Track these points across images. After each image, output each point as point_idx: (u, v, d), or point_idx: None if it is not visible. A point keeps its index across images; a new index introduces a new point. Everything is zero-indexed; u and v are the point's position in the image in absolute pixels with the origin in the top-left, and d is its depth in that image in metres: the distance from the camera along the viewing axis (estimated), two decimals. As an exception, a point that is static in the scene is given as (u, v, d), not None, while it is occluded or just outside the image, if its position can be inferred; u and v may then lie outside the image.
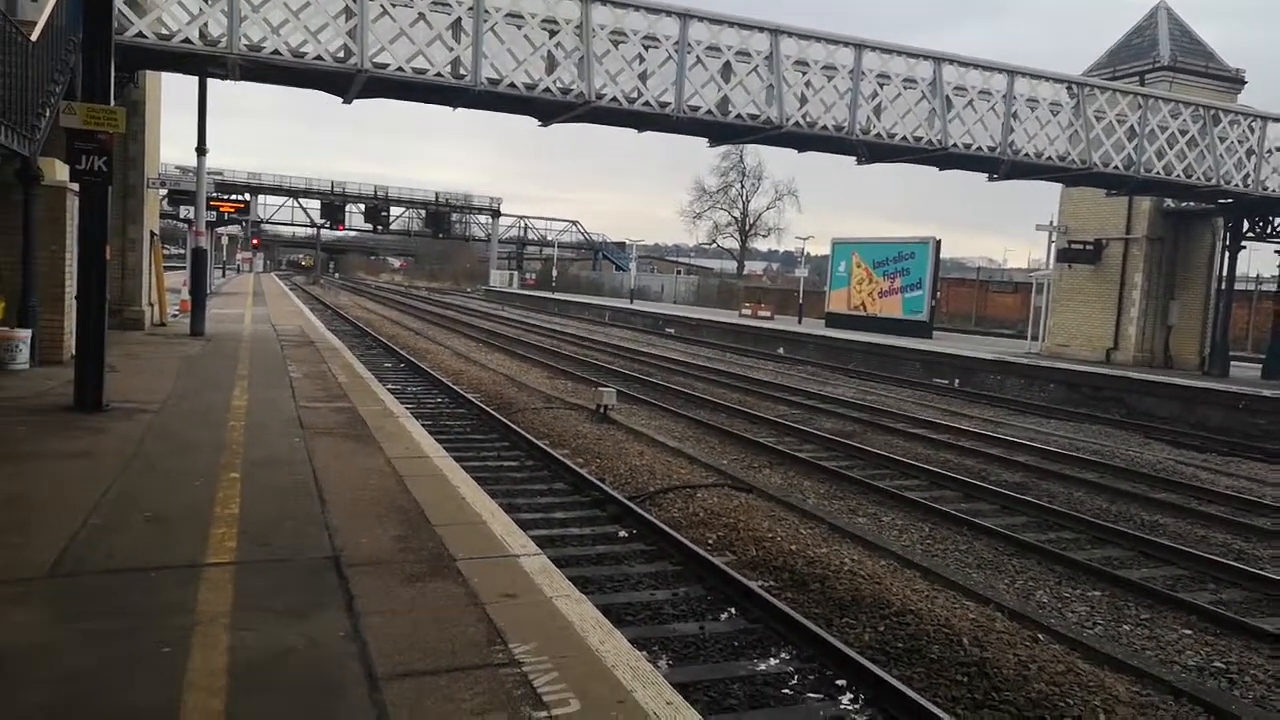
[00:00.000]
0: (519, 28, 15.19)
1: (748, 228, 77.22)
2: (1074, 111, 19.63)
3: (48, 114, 10.93)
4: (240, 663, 3.43)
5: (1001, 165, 19.34)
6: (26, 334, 10.79)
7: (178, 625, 3.73)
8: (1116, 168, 20.19)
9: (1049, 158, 19.42)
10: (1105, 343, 27.54)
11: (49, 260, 11.33)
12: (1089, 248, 27.82)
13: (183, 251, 39.79)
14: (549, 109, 16.54)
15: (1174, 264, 26.90)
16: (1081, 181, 22.53)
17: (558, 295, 63.73)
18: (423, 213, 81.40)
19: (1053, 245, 29.00)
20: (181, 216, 41.28)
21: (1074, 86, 19.84)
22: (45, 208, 11.08)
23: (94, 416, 8.15)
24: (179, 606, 3.93)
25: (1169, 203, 26.30)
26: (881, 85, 17.82)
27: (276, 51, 13.82)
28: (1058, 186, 27.10)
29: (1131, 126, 20.32)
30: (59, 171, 11.07)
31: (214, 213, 23.93)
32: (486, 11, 14.80)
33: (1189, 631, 6.91)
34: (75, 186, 10.07)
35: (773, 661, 5.74)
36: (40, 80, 10.76)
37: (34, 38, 10.27)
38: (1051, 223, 29.01)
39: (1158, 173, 20.63)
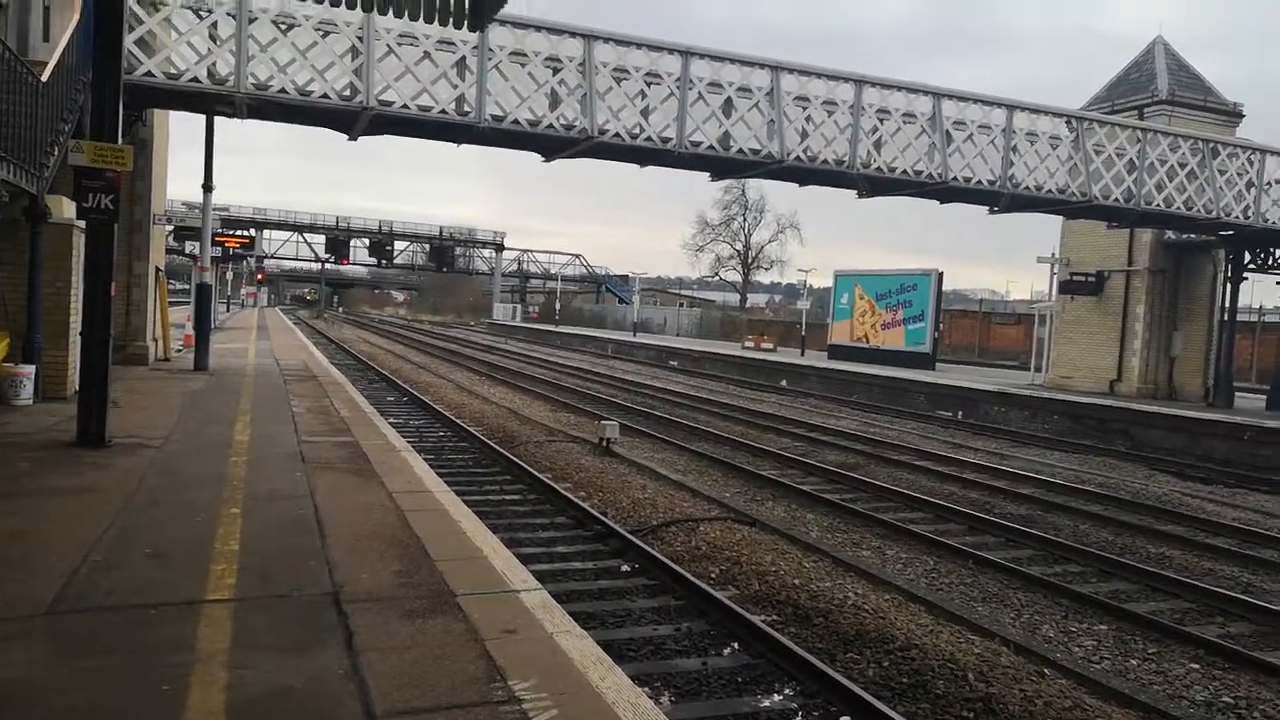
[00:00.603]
0: (523, 65, 15.39)
1: (750, 260, 77.64)
2: (1074, 145, 19.78)
3: (56, 152, 11.06)
4: (239, 701, 3.41)
5: (1002, 198, 19.46)
6: (31, 370, 10.83)
7: (177, 663, 3.72)
8: (1117, 200, 20.30)
9: (1049, 191, 19.54)
10: (1109, 374, 27.50)
11: (54, 297, 11.40)
12: (1091, 279, 27.88)
13: (188, 286, 39.99)
14: (552, 145, 16.71)
15: (1176, 295, 26.93)
16: (1082, 214, 22.64)
17: (561, 328, 63.87)
18: (427, 247, 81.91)
19: (1055, 277, 29.08)
20: (187, 252, 41.53)
21: (1073, 120, 20.01)
22: (52, 244, 11.17)
23: (97, 452, 8.16)
24: (178, 644, 3.92)
25: (1170, 235, 26.39)
26: (882, 120, 17.99)
27: (283, 90, 14.01)
28: (1059, 219, 27.23)
29: (1131, 160, 20.46)
30: (66, 209, 11.18)
31: (219, 248, 24.08)
32: (491, 50, 15.00)
33: (1197, 666, 6.84)
34: (82, 224, 10.17)
35: (776, 698, 5.68)
36: (50, 119, 10.91)
37: (44, 77, 10.43)
38: (1053, 255, 29.12)
39: (1158, 205, 20.74)
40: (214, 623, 4.17)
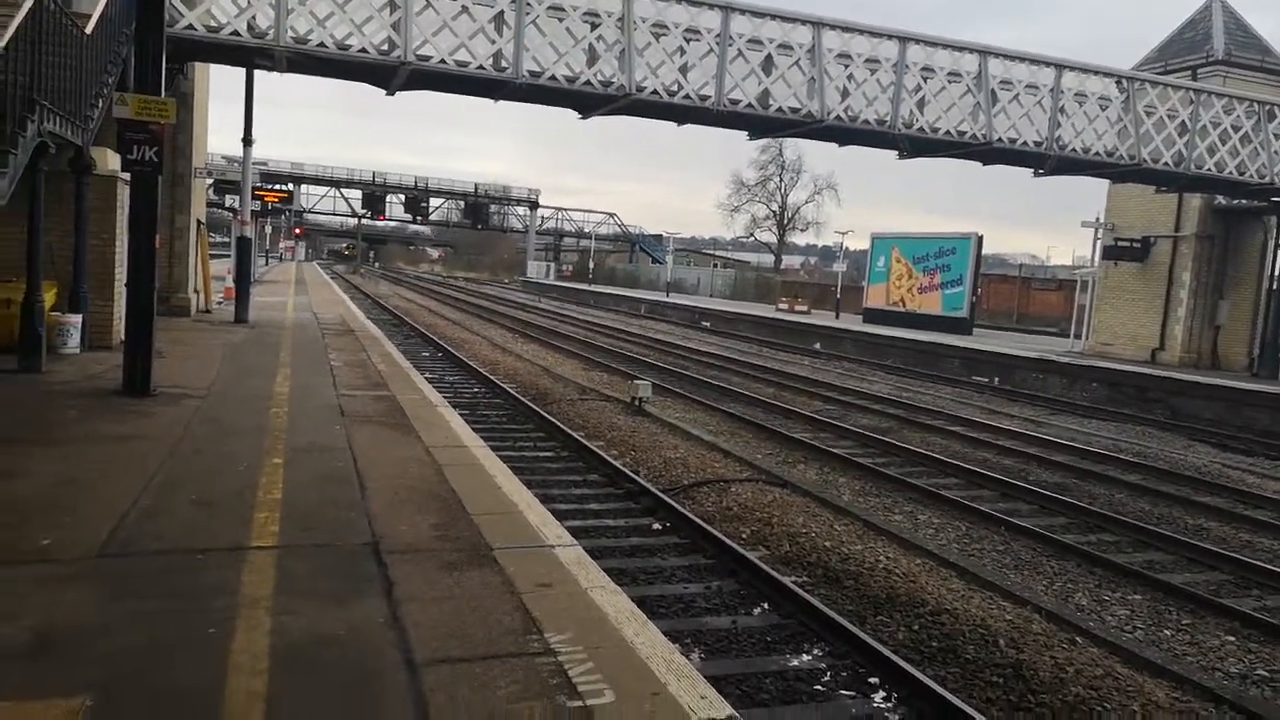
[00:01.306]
0: (560, 20, 15.22)
1: (786, 221, 76.81)
2: (1123, 106, 19.25)
3: (100, 104, 11.16)
4: (282, 646, 3.50)
5: (1047, 160, 19.04)
6: (77, 319, 11.06)
7: (222, 607, 3.83)
8: (1166, 164, 19.78)
9: (1096, 153, 19.08)
10: (1151, 342, 27.02)
11: (100, 248, 11.58)
12: (1136, 245, 27.30)
13: (227, 240, 40.46)
14: (589, 101, 16.56)
15: (1224, 263, 26.31)
16: (1130, 178, 22.10)
17: (594, 287, 63.87)
18: (461, 204, 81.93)
19: (1098, 242, 28.50)
20: (227, 205, 41.94)
21: (1124, 81, 19.45)
22: (97, 196, 11.33)
23: (142, 401, 8.35)
24: (223, 588, 4.03)
25: (1220, 200, 25.72)
26: (925, 79, 17.60)
27: (322, 44, 13.98)
28: (1104, 182, 26.61)
29: (1183, 122, 19.88)
30: (111, 161, 11.31)
31: (259, 202, 24.29)
32: (528, 4, 14.84)
33: (1232, 638, 6.79)
34: (126, 176, 10.28)
35: (805, 657, 5.73)
36: (94, 71, 10.99)
37: (89, 30, 10.49)
38: (1098, 219, 28.52)
39: (1209, 169, 20.18)
40: (258, 569, 4.28)
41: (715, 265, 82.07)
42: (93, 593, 3.93)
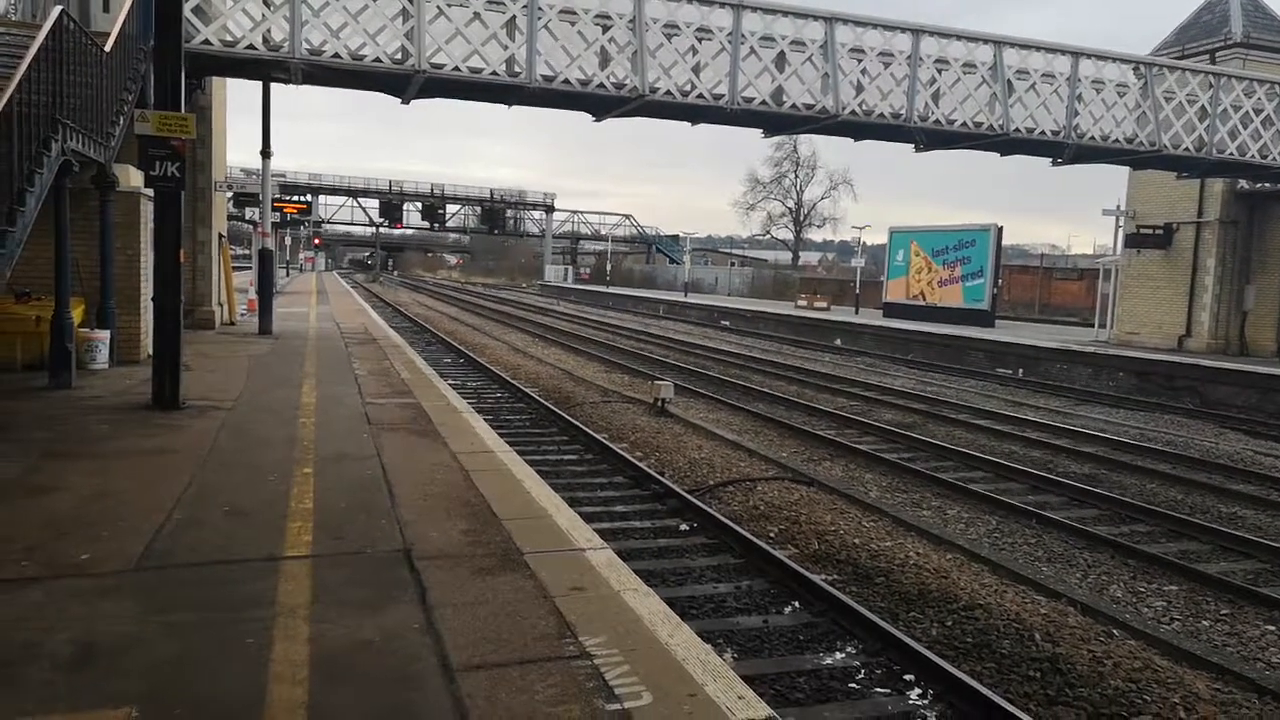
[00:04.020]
0: (572, 24, 15.27)
1: (802, 218, 76.62)
2: (1142, 92, 19.07)
3: (121, 121, 11.29)
4: (321, 654, 3.52)
5: (1066, 149, 18.90)
6: (105, 335, 11.19)
7: (259, 617, 3.85)
8: (1187, 149, 19.58)
9: (1116, 140, 18.91)
10: (1177, 330, 26.72)
11: (125, 263, 11.71)
12: (1159, 232, 27.02)
13: (248, 252, 40.79)
14: (603, 104, 16.59)
15: (1249, 247, 25.99)
16: (1150, 164, 21.90)
17: (612, 289, 63.87)
18: (478, 210, 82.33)
19: (1120, 230, 28.23)
20: (247, 218, 42.31)
21: (1141, 67, 19.27)
22: (120, 212, 11.45)
23: (172, 414, 8.43)
24: (260, 599, 4.06)
25: (1243, 184, 25.41)
26: (940, 71, 17.52)
27: (337, 55, 14.09)
28: (1124, 170, 26.36)
29: (1203, 106, 19.67)
30: (133, 177, 11.43)
31: (278, 214, 24.48)
32: (540, 8, 14.89)
33: (1272, 628, 6.69)
34: (149, 191, 10.41)
35: (838, 655, 5.70)
36: (114, 89, 11.12)
37: (107, 48, 10.61)
38: (1119, 207, 28.25)
39: (1231, 154, 19.96)
40: (293, 578, 4.31)
41: (732, 264, 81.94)
42: (131, 605, 3.97)
